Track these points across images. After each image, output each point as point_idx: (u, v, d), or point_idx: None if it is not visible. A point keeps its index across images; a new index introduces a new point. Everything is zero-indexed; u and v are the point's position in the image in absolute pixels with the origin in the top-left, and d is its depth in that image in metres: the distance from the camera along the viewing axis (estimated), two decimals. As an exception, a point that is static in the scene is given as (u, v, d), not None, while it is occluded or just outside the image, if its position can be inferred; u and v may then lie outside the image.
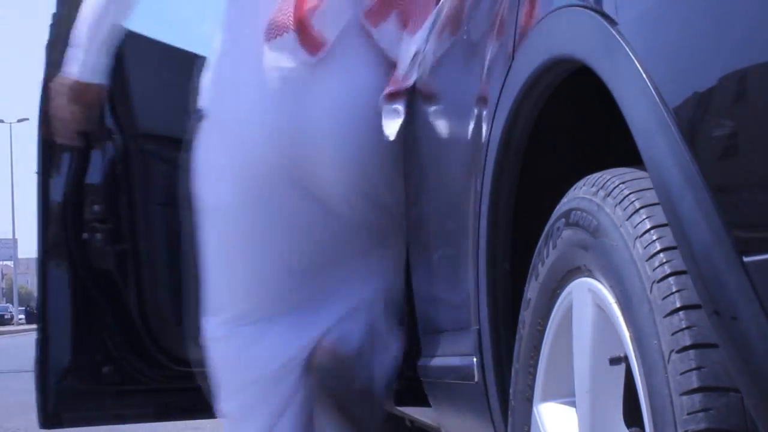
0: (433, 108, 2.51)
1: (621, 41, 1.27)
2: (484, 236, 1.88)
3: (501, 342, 1.89)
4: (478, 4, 2.21)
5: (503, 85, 1.80)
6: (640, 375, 1.23)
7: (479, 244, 1.92)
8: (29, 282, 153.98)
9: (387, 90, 2.71)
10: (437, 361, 2.43)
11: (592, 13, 1.38)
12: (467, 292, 2.05)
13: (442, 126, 2.40)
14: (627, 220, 1.28)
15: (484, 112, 1.92)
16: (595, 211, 1.38)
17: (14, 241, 75.12)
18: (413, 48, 2.66)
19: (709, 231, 1.09)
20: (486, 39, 1.99)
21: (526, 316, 1.65)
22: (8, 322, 68.24)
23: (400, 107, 2.61)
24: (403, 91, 2.68)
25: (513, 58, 1.77)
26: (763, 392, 1.05)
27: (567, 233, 1.48)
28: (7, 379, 11.55)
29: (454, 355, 2.21)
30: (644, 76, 1.21)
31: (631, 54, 1.24)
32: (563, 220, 1.50)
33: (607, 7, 1.34)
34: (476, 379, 2.01)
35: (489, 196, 1.86)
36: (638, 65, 1.22)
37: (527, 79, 1.66)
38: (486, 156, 1.87)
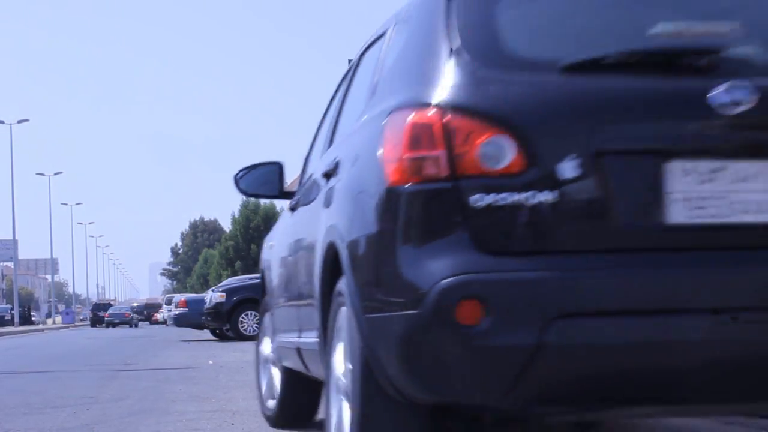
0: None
1: None
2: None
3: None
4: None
5: None
6: None
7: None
8: (29, 283, 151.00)
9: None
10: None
11: None
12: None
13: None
14: None
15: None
16: None
17: (15, 242, 74.52)
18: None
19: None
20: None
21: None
22: (8, 323, 67.66)
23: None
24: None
25: None
26: None
27: None
28: (7, 379, 11.23)
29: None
30: None
31: None
32: None
33: None
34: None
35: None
36: None
37: None
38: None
